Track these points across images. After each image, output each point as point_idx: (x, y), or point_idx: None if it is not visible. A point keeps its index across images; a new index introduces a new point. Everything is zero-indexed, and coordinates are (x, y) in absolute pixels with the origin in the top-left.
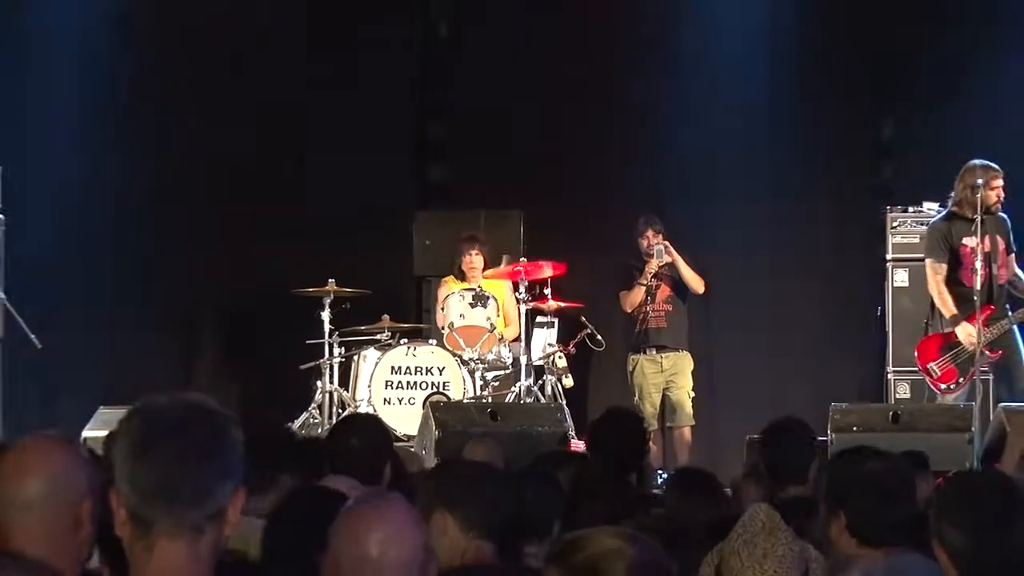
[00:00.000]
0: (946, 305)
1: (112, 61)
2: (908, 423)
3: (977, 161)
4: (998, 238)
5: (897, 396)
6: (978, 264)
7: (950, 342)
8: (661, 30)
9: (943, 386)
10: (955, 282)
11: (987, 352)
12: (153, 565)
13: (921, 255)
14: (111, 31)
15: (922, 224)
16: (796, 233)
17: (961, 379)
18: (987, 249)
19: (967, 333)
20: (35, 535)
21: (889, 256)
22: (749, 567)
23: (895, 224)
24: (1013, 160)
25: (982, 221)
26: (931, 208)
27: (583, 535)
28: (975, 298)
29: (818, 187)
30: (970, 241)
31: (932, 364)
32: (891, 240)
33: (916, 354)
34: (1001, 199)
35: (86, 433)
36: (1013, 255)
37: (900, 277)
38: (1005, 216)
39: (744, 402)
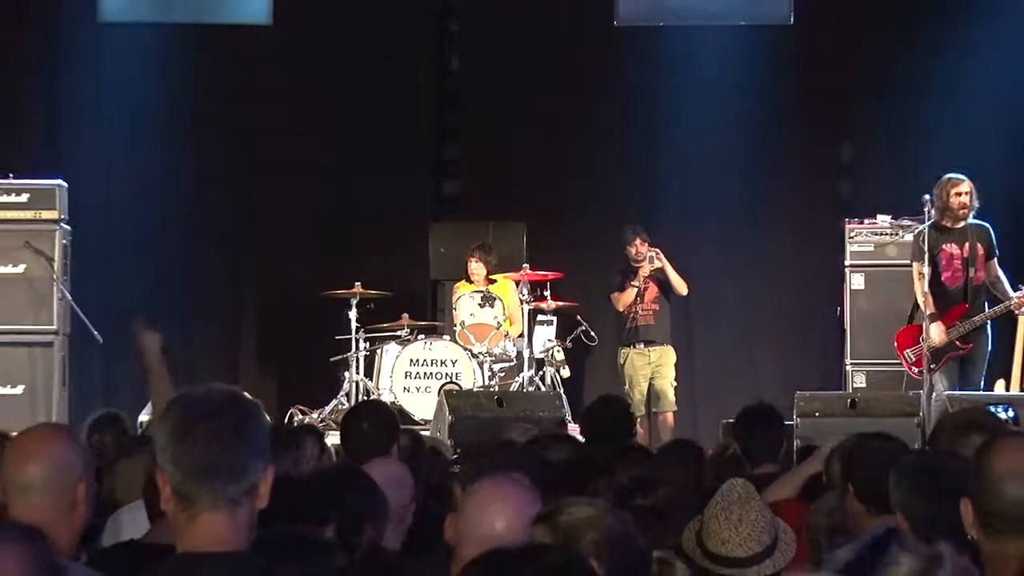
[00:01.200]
0: (928, 304)
1: (163, 95)
2: (864, 409)
3: (947, 175)
4: (978, 245)
5: (854, 385)
6: (925, 269)
7: (924, 332)
8: (649, 69)
9: (916, 370)
10: (935, 283)
11: (959, 343)
12: (197, 535)
13: (875, 261)
14: (163, 69)
15: (876, 234)
16: (767, 242)
17: (933, 365)
18: (966, 255)
19: (938, 332)
20: (35, 514)
21: (847, 262)
22: (726, 529)
23: (852, 234)
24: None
25: (963, 229)
26: (884, 220)
27: (569, 502)
28: (925, 298)
29: (786, 202)
30: (949, 247)
31: (908, 351)
32: (849, 248)
33: (896, 342)
34: (966, 205)
35: (142, 418)
36: (994, 260)
37: (857, 281)
38: (987, 225)
39: (720, 390)
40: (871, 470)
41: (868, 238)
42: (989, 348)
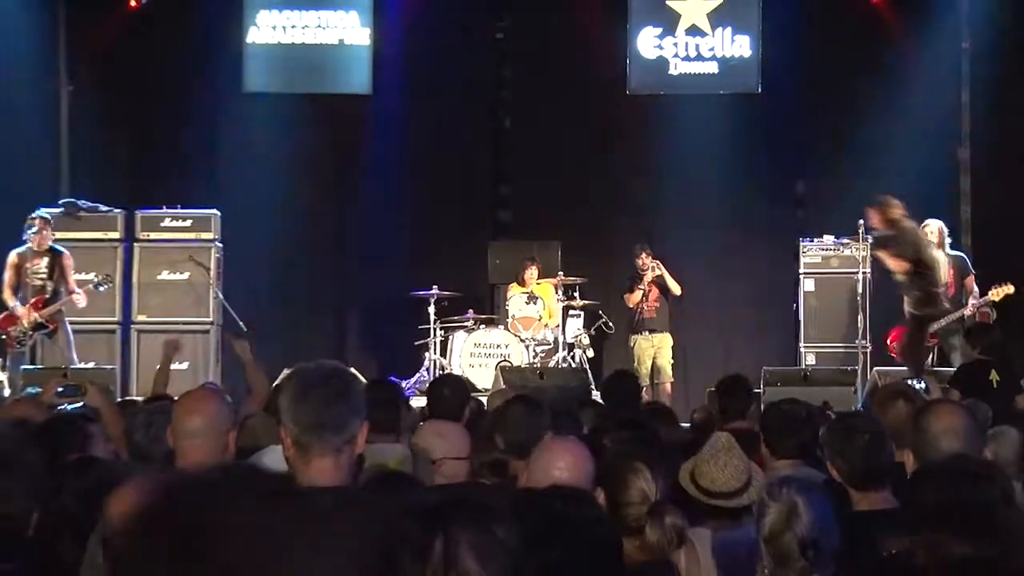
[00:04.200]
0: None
1: (290, 147)
2: (814, 380)
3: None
4: (952, 270)
5: (807, 362)
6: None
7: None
8: (653, 125)
9: (898, 356)
10: None
11: (929, 339)
12: (310, 474)
13: (822, 270)
14: (290, 127)
15: (823, 250)
16: (742, 255)
17: None
18: None
19: None
20: (198, 455)
21: (801, 270)
22: (715, 470)
23: (805, 250)
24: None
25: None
26: (829, 239)
27: (621, 461)
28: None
29: (756, 225)
30: None
31: (896, 343)
32: (803, 260)
33: (888, 337)
34: (932, 241)
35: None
36: (969, 278)
37: (808, 285)
38: (962, 254)
39: (705, 366)
40: (779, 424)
41: (817, 253)
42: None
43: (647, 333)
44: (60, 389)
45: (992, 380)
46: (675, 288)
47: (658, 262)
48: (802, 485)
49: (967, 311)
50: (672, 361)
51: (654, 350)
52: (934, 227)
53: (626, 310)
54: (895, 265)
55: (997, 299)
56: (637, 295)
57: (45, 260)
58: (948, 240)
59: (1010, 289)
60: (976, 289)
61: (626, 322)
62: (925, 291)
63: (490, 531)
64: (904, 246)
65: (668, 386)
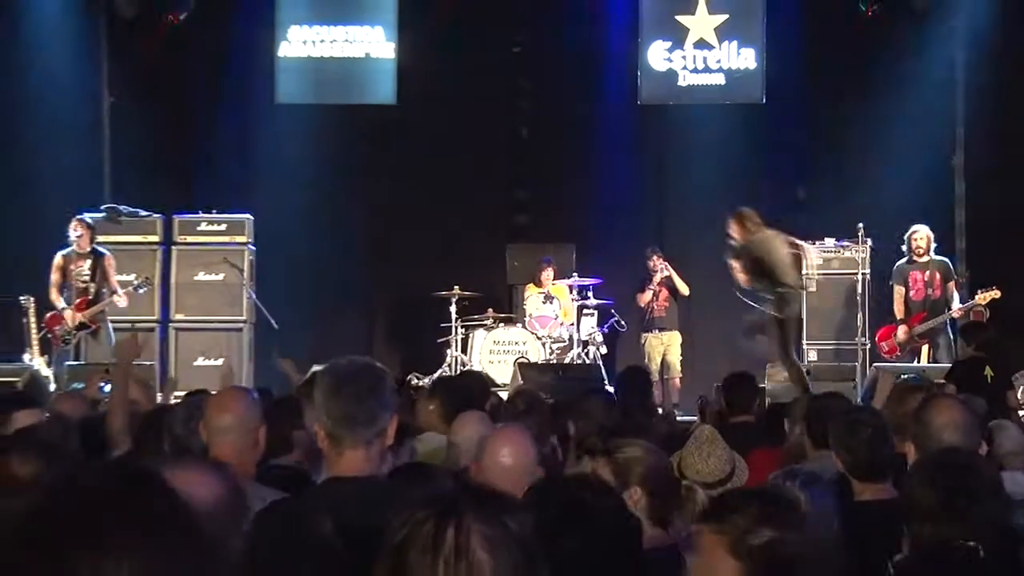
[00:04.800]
0: (899, 312)
1: (319, 155)
2: (816, 375)
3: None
4: (937, 273)
5: (809, 359)
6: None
7: (895, 331)
8: (663, 134)
9: (889, 356)
10: (906, 299)
11: (917, 339)
12: (343, 465)
13: (823, 271)
14: (319, 136)
15: (824, 252)
16: None
17: (899, 353)
18: (926, 279)
19: (902, 331)
20: (229, 449)
21: (804, 272)
22: (699, 461)
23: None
24: (877, 216)
25: (927, 262)
26: (829, 242)
27: (624, 442)
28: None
29: None
30: (915, 274)
31: (884, 343)
32: (805, 262)
33: (876, 336)
34: (920, 246)
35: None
36: (951, 283)
37: (810, 285)
38: (947, 259)
39: (712, 362)
40: (823, 418)
41: (818, 255)
42: (951, 341)
43: (657, 331)
44: (102, 384)
45: (987, 376)
46: (683, 288)
47: (667, 264)
48: (805, 479)
49: (954, 313)
50: (681, 357)
51: (664, 347)
52: (922, 232)
53: (637, 309)
54: (739, 277)
55: (984, 303)
56: (648, 295)
57: (88, 262)
58: (934, 245)
59: (996, 293)
60: (956, 294)
61: (637, 321)
62: (778, 296)
63: (502, 521)
64: (748, 259)
65: (677, 381)
